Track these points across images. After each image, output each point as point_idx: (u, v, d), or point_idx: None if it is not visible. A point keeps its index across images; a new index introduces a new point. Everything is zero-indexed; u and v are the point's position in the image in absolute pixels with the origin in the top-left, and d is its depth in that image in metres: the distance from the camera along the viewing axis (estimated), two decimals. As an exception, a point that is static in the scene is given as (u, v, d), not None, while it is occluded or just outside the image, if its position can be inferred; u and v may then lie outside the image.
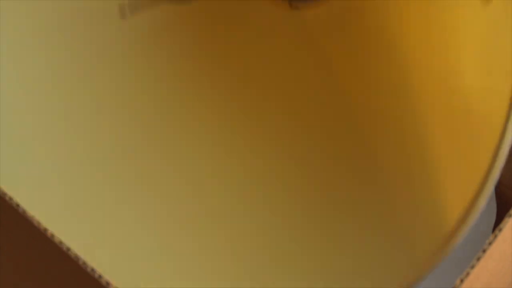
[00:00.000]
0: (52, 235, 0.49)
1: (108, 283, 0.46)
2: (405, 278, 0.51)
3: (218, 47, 0.71)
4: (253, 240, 0.63)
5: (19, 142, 0.72)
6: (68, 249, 0.49)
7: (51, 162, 0.72)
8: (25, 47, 0.67)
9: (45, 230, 0.50)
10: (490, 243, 0.44)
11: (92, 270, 0.47)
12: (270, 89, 0.69)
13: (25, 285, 0.61)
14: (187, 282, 0.64)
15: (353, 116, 0.62)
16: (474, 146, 0.53)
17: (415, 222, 0.55)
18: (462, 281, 0.42)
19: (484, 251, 0.43)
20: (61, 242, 0.49)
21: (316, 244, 0.60)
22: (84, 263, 0.48)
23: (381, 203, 0.57)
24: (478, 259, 0.43)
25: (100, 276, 0.47)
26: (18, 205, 0.50)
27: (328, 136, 0.64)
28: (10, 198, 0.51)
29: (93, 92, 0.69)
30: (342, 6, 0.69)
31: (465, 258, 0.58)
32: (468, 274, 0.42)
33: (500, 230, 0.44)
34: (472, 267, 0.42)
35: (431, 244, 0.51)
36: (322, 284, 0.57)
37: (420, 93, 0.59)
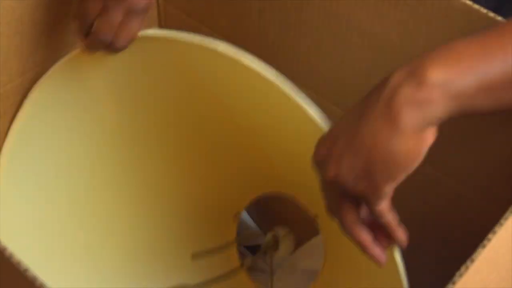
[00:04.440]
0: (11, 255, 0.48)
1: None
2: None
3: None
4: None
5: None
6: (26, 270, 0.47)
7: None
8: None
9: (4, 249, 0.48)
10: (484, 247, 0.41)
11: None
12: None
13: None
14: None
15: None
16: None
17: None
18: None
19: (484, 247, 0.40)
20: (19, 263, 0.47)
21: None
22: (42, 284, 0.46)
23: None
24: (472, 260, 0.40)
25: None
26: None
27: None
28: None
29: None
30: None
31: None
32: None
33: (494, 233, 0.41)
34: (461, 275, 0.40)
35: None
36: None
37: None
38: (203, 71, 0.70)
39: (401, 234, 0.51)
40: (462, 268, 0.40)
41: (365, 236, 0.51)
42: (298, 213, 0.82)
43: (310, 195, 0.78)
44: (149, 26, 0.84)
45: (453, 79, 0.45)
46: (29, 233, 0.79)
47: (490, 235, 0.41)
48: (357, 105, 0.49)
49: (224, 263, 0.87)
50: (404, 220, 0.71)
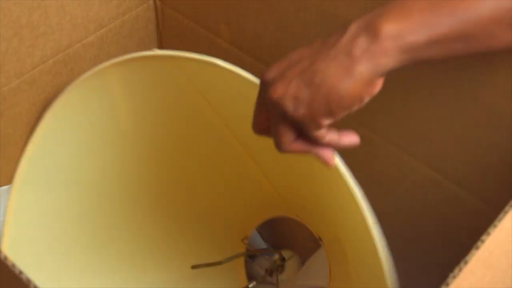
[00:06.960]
0: (6, 258, 0.48)
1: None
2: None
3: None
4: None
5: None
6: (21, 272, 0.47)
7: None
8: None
9: (5, 258, 0.48)
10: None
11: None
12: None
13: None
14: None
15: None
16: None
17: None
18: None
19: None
20: (13, 265, 0.47)
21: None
22: (35, 287, 0.46)
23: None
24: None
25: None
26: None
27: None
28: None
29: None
30: None
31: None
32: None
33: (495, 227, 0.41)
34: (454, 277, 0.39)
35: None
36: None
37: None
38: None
39: (348, 139, 0.54)
40: (456, 270, 0.39)
41: (305, 147, 0.54)
42: (303, 234, 0.85)
43: (315, 219, 0.84)
44: (147, 27, 0.84)
45: (404, 33, 0.48)
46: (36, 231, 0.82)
47: (484, 237, 0.41)
48: (316, 43, 0.52)
49: (230, 283, 0.89)
50: (401, 221, 0.71)
